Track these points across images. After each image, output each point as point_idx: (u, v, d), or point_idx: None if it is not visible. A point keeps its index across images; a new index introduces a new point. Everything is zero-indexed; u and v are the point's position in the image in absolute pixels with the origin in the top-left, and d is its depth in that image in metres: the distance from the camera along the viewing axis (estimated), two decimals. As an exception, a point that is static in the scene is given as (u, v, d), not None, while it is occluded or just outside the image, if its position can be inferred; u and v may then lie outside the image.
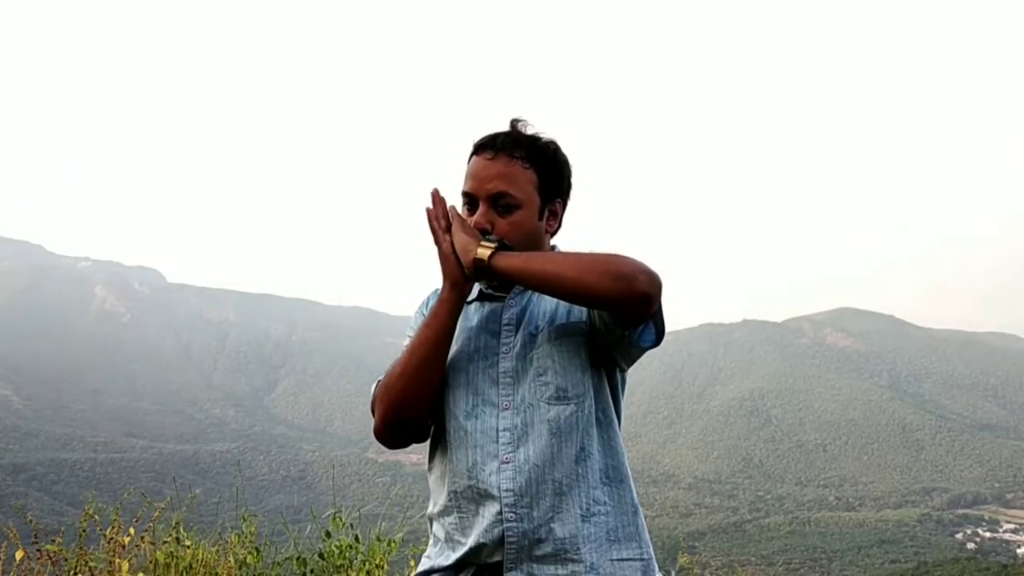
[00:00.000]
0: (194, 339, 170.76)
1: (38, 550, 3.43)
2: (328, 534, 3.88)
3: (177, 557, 3.72)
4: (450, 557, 1.53)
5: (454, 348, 1.57)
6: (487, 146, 1.58)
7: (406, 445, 1.62)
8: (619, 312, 1.44)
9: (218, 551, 3.95)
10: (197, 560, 3.77)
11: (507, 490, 1.47)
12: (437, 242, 1.52)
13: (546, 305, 1.59)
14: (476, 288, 1.62)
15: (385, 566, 3.85)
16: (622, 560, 1.50)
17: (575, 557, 1.47)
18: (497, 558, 1.48)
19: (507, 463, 1.49)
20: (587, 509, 1.49)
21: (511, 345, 1.56)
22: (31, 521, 3.68)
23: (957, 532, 67.12)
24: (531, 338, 1.55)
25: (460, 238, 1.51)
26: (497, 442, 1.50)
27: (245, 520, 4.09)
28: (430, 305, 1.62)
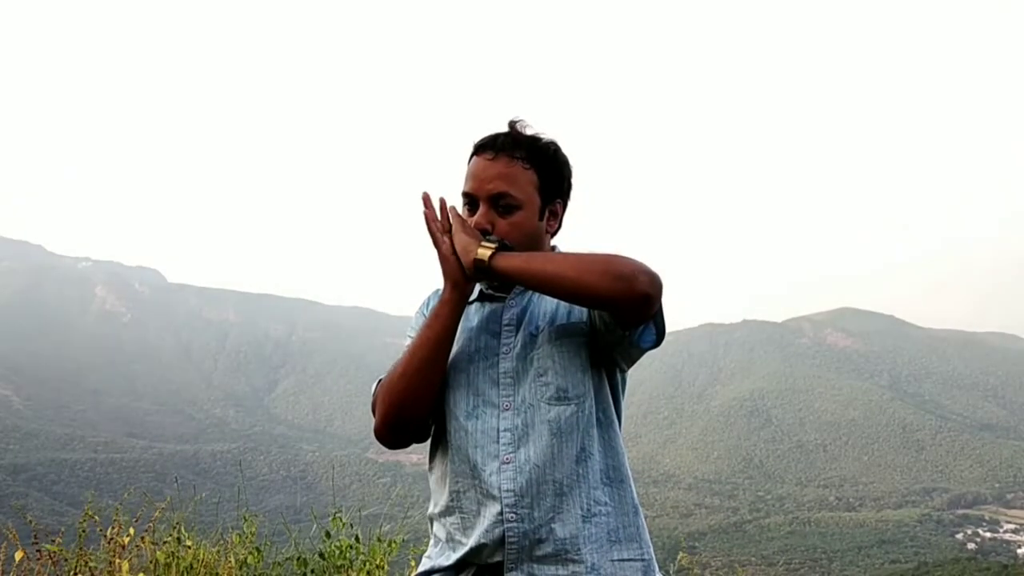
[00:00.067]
0: (194, 339, 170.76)
1: (38, 551, 3.43)
2: (328, 534, 3.87)
3: (178, 557, 3.72)
4: (451, 557, 1.53)
5: (455, 348, 1.57)
6: (487, 147, 1.58)
7: (407, 445, 1.62)
8: (619, 312, 1.44)
9: (219, 551, 3.95)
10: (198, 560, 3.77)
11: (508, 490, 1.48)
12: (436, 244, 1.53)
13: (546, 305, 1.59)
14: (477, 288, 1.62)
15: (385, 566, 3.85)
16: (623, 560, 1.51)
17: (576, 557, 1.47)
18: (498, 558, 1.48)
19: (508, 463, 1.49)
20: (588, 509, 1.50)
21: (511, 346, 1.56)
22: (30, 522, 3.68)
23: (957, 532, 67.10)
24: (531, 338, 1.56)
25: (460, 239, 1.51)
26: (498, 442, 1.51)
27: (246, 520, 4.09)
28: (431, 306, 1.62)
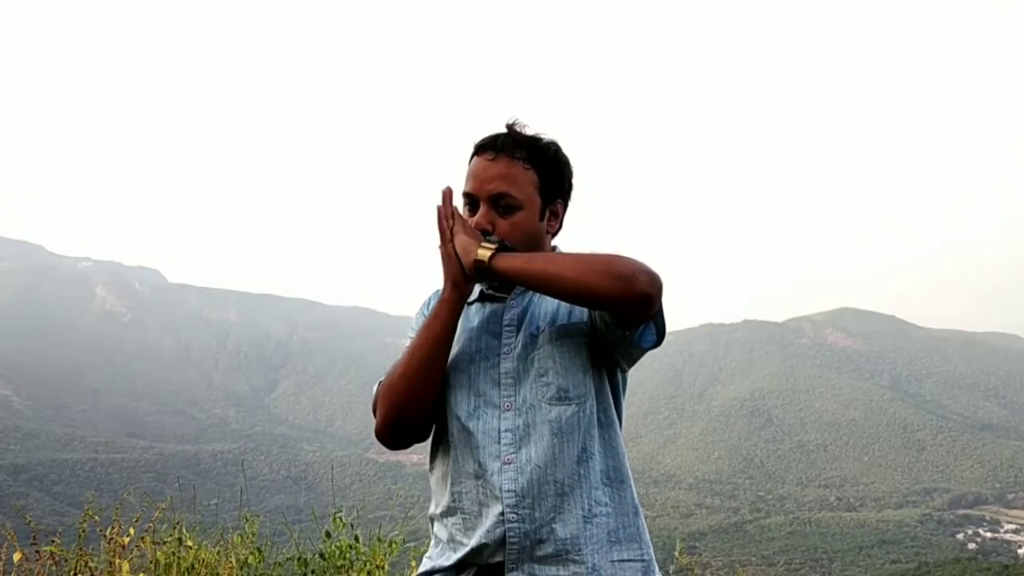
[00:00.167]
0: (195, 339, 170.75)
1: (36, 551, 3.43)
2: (328, 534, 3.87)
3: (179, 557, 3.72)
4: (451, 558, 1.53)
5: (455, 349, 1.57)
6: (488, 147, 1.58)
7: (407, 446, 1.61)
8: (620, 313, 1.44)
9: (219, 551, 3.95)
10: (199, 560, 3.77)
11: (509, 491, 1.47)
12: (443, 242, 1.52)
13: (547, 306, 1.58)
14: (477, 289, 1.62)
15: (386, 566, 3.85)
16: (623, 561, 1.51)
17: (576, 558, 1.47)
18: (499, 558, 1.48)
19: (509, 464, 1.49)
20: (588, 510, 1.49)
21: (512, 346, 1.56)
22: (29, 522, 3.67)
23: (958, 532, 67.06)
24: (532, 339, 1.55)
25: (461, 239, 1.51)
26: (499, 443, 1.50)
27: (247, 520, 4.09)
28: (431, 306, 1.61)
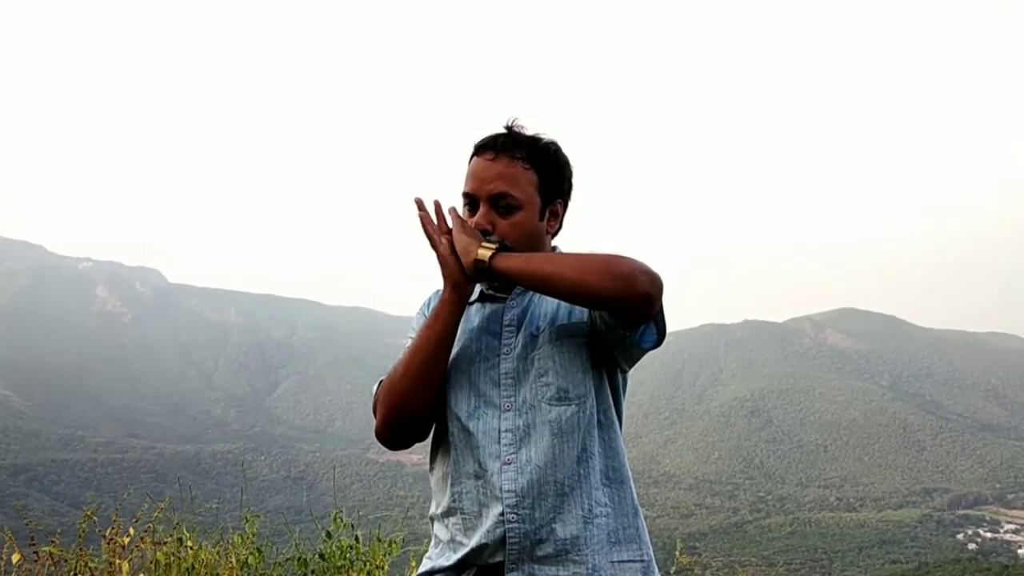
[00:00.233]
0: (195, 340, 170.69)
1: (35, 552, 3.43)
2: (329, 535, 3.87)
3: (179, 558, 3.72)
4: (451, 558, 1.53)
5: (455, 349, 1.57)
6: (488, 147, 1.58)
7: (408, 446, 1.62)
8: (620, 313, 1.44)
9: (219, 552, 3.95)
10: (199, 561, 3.77)
11: (509, 491, 1.47)
12: (433, 246, 1.53)
13: (547, 306, 1.58)
14: (477, 289, 1.62)
15: (386, 567, 3.85)
16: (623, 562, 1.51)
17: (576, 558, 1.47)
18: (499, 559, 1.48)
19: (509, 464, 1.49)
20: (589, 510, 1.49)
21: (512, 346, 1.56)
22: (28, 523, 3.68)
23: (958, 533, 67.02)
24: (532, 339, 1.56)
25: (461, 239, 1.51)
26: (499, 443, 1.50)
27: (247, 520, 4.09)
28: (431, 306, 1.61)
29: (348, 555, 3.81)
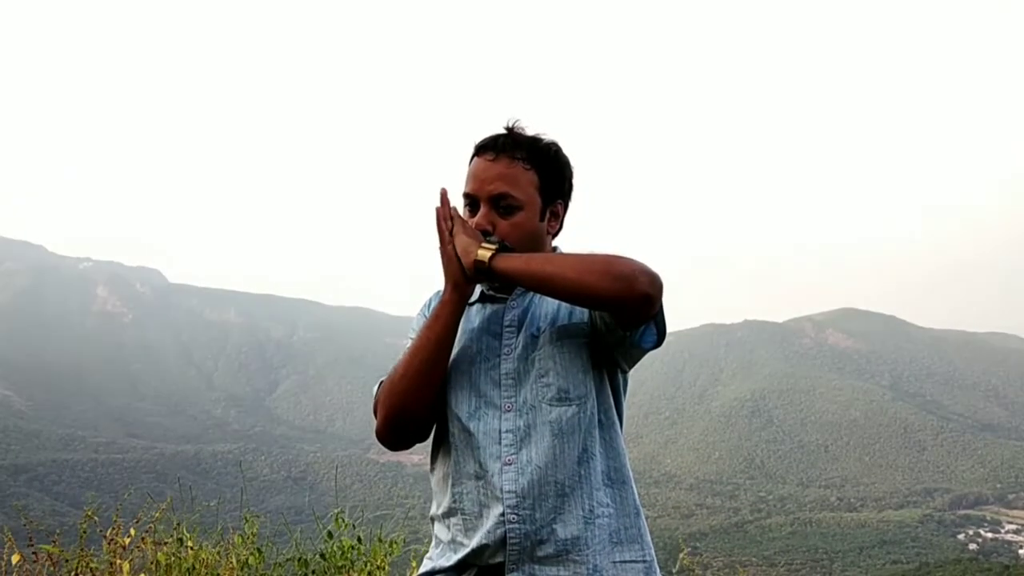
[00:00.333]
0: (195, 340, 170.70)
1: (34, 553, 3.43)
2: (331, 534, 3.87)
3: (179, 558, 3.71)
4: (452, 558, 1.53)
5: (456, 350, 1.57)
6: (488, 147, 1.58)
7: (408, 446, 1.61)
8: (620, 313, 1.44)
9: (220, 552, 3.95)
10: (199, 561, 3.76)
11: (510, 491, 1.47)
12: (442, 243, 1.52)
13: (547, 306, 1.58)
14: (478, 289, 1.62)
15: (386, 567, 3.84)
16: (624, 562, 1.51)
17: (577, 558, 1.47)
18: (499, 559, 1.48)
19: (510, 465, 1.49)
20: (590, 511, 1.49)
21: (513, 347, 1.56)
22: (26, 524, 3.67)
23: (959, 533, 67.01)
24: (533, 340, 1.55)
25: (461, 239, 1.51)
26: (500, 444, 1.50)
27: (247, 521, 4.09)
28: (432, 307, 1.61)
29: (349, 555, 3.81)
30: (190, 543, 3.81)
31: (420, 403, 1.53)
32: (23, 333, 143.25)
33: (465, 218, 1.58)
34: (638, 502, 1.58)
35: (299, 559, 3.88)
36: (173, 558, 3.70)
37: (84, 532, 3.56)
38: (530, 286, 1.49)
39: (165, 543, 3.75)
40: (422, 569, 1.61)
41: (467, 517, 1.52)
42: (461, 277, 1.51)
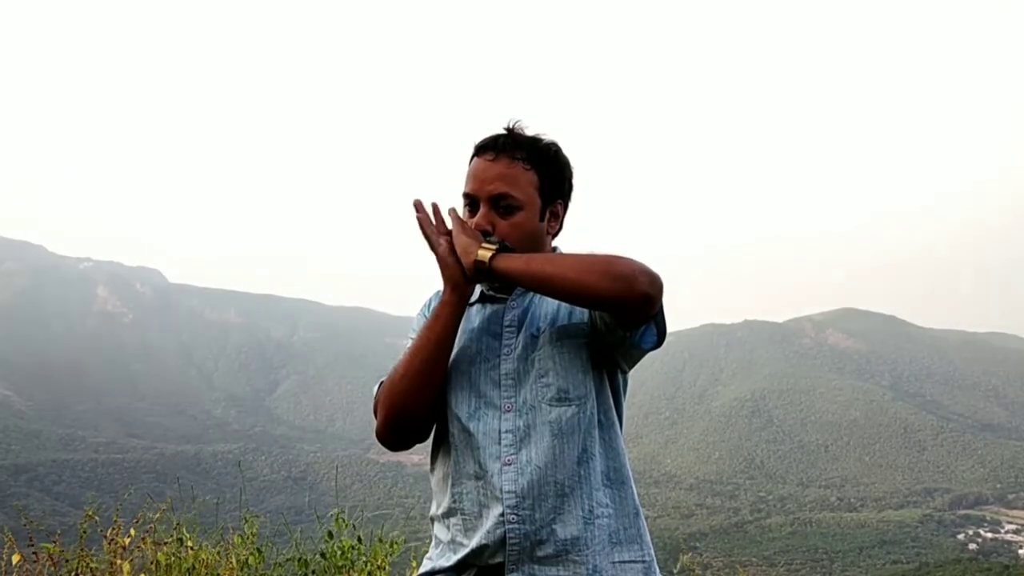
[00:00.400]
0: (195, 340, 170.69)
1: (35, 553, 3.43)
2: (331, 534, 3.87)
3: (179, 558, 3.72)
4: (452, 559, 1.53)
5: (456, 350, 1.57)
6: (488, 148, 1.58)
7: (408, 447, 1.62)
8: (620, 313, 1.43)
9: (220, 552, 3.95)
10: (199, 561, 3.77)
11: (509, 492, 1.47)
12: (432, 247, 1.53)
13: (547, 307, 1.58)
14: (478, 290, 1.62)
15: (387, 567, 3.84)
16: (624, 562, 1.51)
17: (577, 559, 1.47)
18: (499, 559, 1.48)
19: (509, 465, 1.49)
20: (589, 511, 1.49)
21: (512, 347, 1.56)
22: (27, 524, 3.67)
23: (959, 533, 67.01)
24: (532, 340, 1.55)
25: (461, 240, 1.51)
26: (499, 444, 1.50)
27: (247, 521, 4.09)
28: (432, 307, 1.61)
29: (349, 555, 3.81)
30: (190, 543, 3.81)
31: (420, 403, 1.53)
32: (23, 333, 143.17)
33: (465, 218, 1.58)
34: (638, 502, 1.58)
35: (299, 559, 3.88)
36: (173, 558, 3.70)
37: (84, 532, 3.56)
38: (530, 286, 1.49)
39: (165, 543, 3.75)
40: (422, 569, 1.61)
41: (467, 517, 1.52)
42: (460, 278, 1.51)
